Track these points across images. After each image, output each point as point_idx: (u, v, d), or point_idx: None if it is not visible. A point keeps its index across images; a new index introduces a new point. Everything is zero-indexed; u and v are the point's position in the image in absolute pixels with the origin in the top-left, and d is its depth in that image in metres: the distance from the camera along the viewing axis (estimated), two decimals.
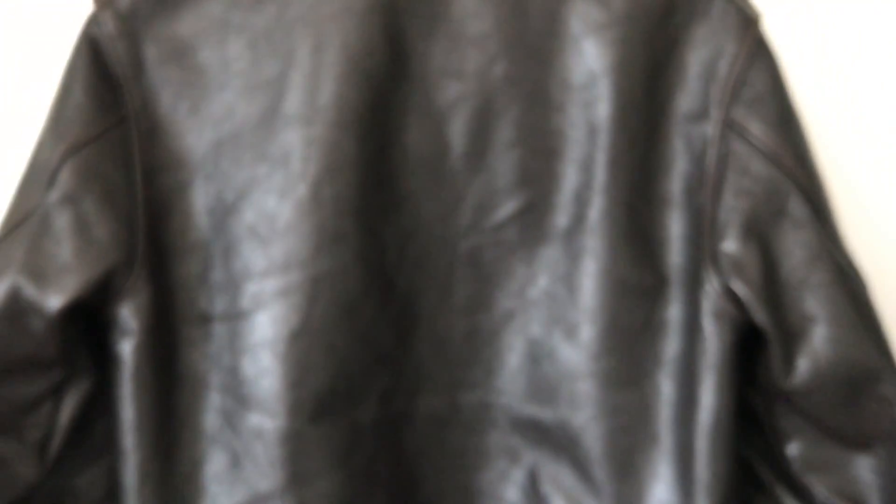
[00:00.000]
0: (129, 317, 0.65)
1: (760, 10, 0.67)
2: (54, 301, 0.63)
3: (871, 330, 0.66)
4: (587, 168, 0.67)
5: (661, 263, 0.68)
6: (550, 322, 0.70)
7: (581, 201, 0.68)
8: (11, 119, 0.82)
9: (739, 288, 0.64)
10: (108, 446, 0.70)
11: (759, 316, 0.64)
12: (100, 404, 0.69)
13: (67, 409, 0.68)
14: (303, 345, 0.65)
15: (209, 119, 0.67)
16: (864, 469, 0.68)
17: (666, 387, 0.68)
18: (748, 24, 0.67)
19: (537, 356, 0.70)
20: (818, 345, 0.64)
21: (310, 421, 0.66)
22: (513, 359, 0.71)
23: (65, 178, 0.64)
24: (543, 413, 0.71)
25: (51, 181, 0.64)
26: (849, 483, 0.68)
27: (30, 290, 0.63)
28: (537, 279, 0.70)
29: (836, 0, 0.82)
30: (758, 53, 0.66)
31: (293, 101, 0.65)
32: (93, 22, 0.66)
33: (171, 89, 0.66)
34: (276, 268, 0.66)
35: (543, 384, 0.70)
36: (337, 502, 0.67)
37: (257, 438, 0.67)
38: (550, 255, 0.69)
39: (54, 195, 0.64)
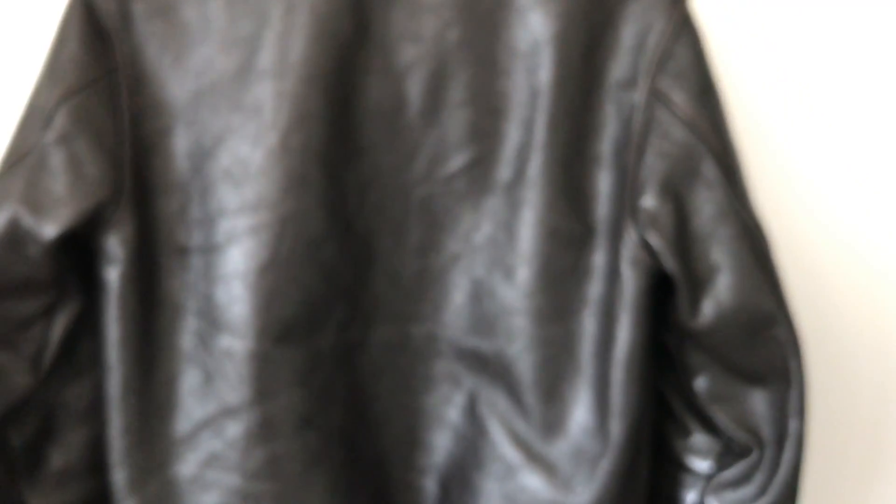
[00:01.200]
0: (115, 246, 0.70)
1: None
2: (49, 230, 0.68)
3: (770, 279, 0.71)
4: (528, 127, 0.72)
5: (589, 215, 0.73)
6: (491, 264, 0.75)
7: (522, 157, 0.73)
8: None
9: (654, 239, 0.69)
10: (93, 364, 0.75)
11: (670, 264, 0.69)
12: (86, 325, 0.75)
13: (58, 326, 0.73)
14: (270, 276, 0.71)
15: (190, 70, 0.71)
16: (759, 402, 0.74)
17: (589, 324, 0.74)
18: (676, 1, 0.71)
19: (479, 294, 0.76)
20: (721, 291, 0.70)
21: (275, 344, 0.72)
22: (458, 296, 0.77)
23: (60, 120, 0.69)
24: (483, 344, 0.76)
25: (47, 123, 0.69)
26: (745, 414, 0.75)
27: (28, 220, 0.68)
28: (481, 226, 0.75)
29: None
30: (683, 29, 0.71)
31: (266, 58, 0.70)
32: None
33: (156, 42, 0.71)
34: (248, 207, 0.71)
35: (484, 319, 0.76)
36: (297, 416, 0.73)
37: (228, 358, 0.72)
38: (494, 204, 0.75)
39: (50, 135, 0.69)
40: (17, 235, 0.68)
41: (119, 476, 0.73)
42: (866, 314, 0.90)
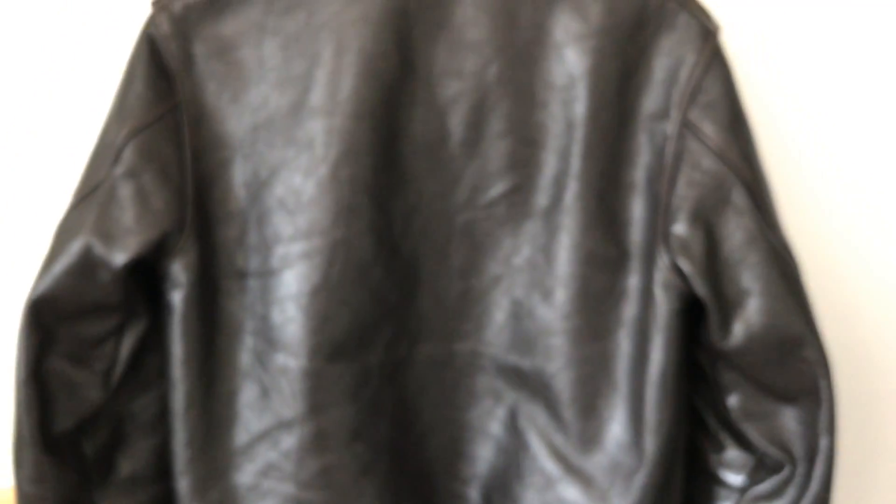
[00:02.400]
0: (179, 271, 0.74)
1: (719, 23, 0.76)
2: (119, 257, 0.72)
3: (799, 302, 0.73)
4: (565, 157, 0.76)
5: (624, 240, 0.76)
6: (531, 286, 0.79)
7: (559, 185, 0.76)
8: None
9: (685, 264, 0.72)
10: (159, 378, 0.80)
11: (701, 289, 0.72)
12: (152, 343, 0.80)
13: (127, 345, 0.78)
14: (322, 299, 0.75)
15: (247, 107, 0.75)
16: (790, 419, 0.77)
17: (624, 343, 0.77)
18: (707, 36, 0.74)
19: (519, 314, 0.80)
20: (751, 313, 0.72)
21: (326, 361, 0.76)
22: (499, 316, 0.80)
23: (128, 155, 0.73)
24: (523, 362, 0.80)
25: (116, 158, 0.73)
26: (777, 431, 0.77)
27: (99, 248, 0.72)
28: (521, 249, 0.79)
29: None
30: (714, 63, 0.74)
31: (317, 95, 0.74)
32: (151, 23, 0.75)
33: (216, 81, 0.75)
34: (301, 234, 0.75)
35: (524, 338, 0.80)
36: (347, 429, 0.77)
37: (283, 375, 0.77)
38: (532, 229, 0.78)
39: (119, 170, 0.73)
40: (89, 263, 0.73)
41: (183, 484, 0.78)
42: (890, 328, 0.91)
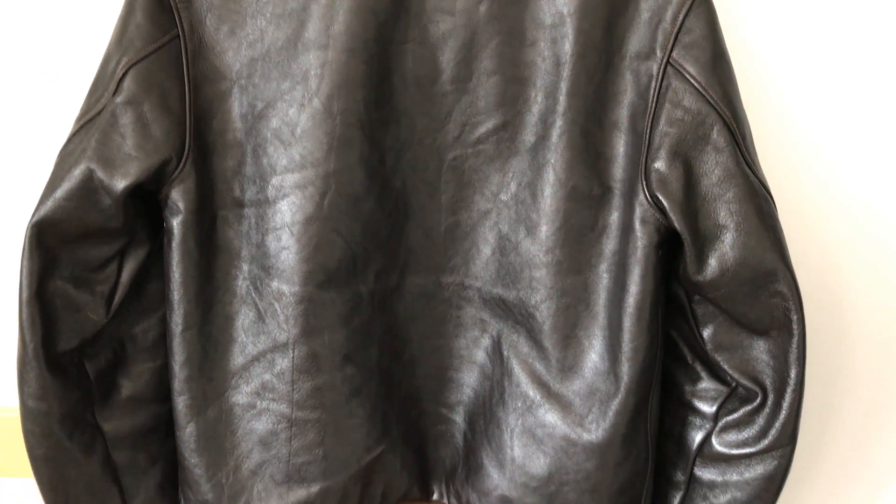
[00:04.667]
0: (178, 199, 0.77)
1: None
2: (119, 183, 0.74)
3: (773, 238, 0.75)
4: (552, 95, 0.78)
5: (607, 177, 0.79)
6: (517, 221, 0.81)
7: (546, 123, 0.78)
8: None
9: (663, 199, 0.74)
10: (160, 304, 0.84)
11: (678, 223, 0.74)
12: (154, 270, 0.83)
13: (128, 269, 0.81)
14: (314, 228, 0.78)
15: (244, 40, 0.77)
16: (762, 351, 0.80)
17: (604, 276, 0.80)
18: None
19: (505, 248, 0.83)
20: (727, 248, 0.74)
21: (319, 288, 0.79)
22: (486, 250, 0.83)
23: (128, 84, 0.75)
24: (508, 294, 0.83)
25: (117, 87, 0.75)
26: (749, 362, 0.81)
27: (100, 174, 0.74)
28: (508, 185, 0.81)
29: None
30: (697, 3, 0.75)
31: (312, 30, 0.76)
32: None
33: (214, 14, 0.77)
34: (295, 165, 0.77)
35: (509, 270, 0.83)
36: (339, 353, 0.81)
37: (277, 300, 0.80)
38: (519, 165, 0.80)
39: (119, 98, 0.75)
40: (91, 188, 0.75)
41: (180, 402, 0.82)
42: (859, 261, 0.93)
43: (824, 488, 1.02)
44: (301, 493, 0.84)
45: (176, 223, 0.78)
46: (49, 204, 0.75)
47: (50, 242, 0.77)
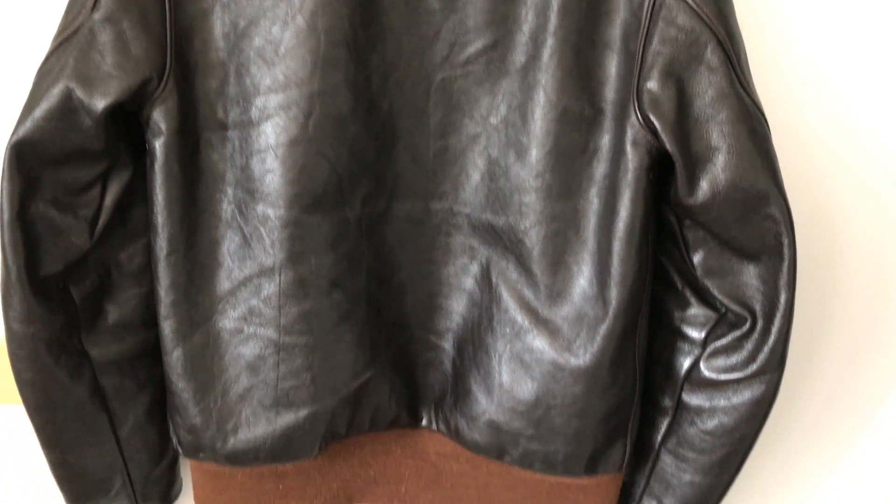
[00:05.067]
0: (159, 119, 0.75)
1: None
2: (99, 102, 0.73)
3: (766, 160, 0.74)
4: (543, 13, 0.75)
5: (599, 98, 0.77)
6: (506, 144, 0.80)
7: (536, 42, 0.76)
8: None
9: (655, 120, 0.73)
10: (145, 230, 0.83)
11: (670, 144, 0.73)
12: (139, 195, 0.82)
13: (112, 193, 0.80)
14: (299, 150, 0.76)
15: None
16: (752, 276, 0.79)
17: (595, 201, 0.79)
18: None
19: (494, 173, 0.81)
20: (718, 170, 0.73)
21: (304, 212, 0.78)
22: (475, 175, 0.82)
23: (106, 1, 0.72)
24: (497, 219, 0.82)
25: (95, 4, 0.73)
26: (739, 287, 0.80)
27: (80, 93, 0.73)
28: (498, 108, 0.79)
29: None
30: None
31: None
32: None
33: None
34: (279, 85, 0.75)
35: (498, 196, 0.81)
36: (326, 278, 0.80)
37: (263, 224, 0.79)
38: (509, 87, 0.79)
39: (98, 15, 0.72)
40: (70, 107, 0.73)
41: (166, 327, 0.82)
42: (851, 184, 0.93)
43: (812, 415, 1.03)
44: (289, 417, 0.84)
45: (158, 145, 0.77)
46: (28, 124, 0.74)
47: (30, 164, 0.76)
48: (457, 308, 0.88)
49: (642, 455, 0.91)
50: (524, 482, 0.90)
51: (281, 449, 0.85)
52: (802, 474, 1.06)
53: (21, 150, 0.75)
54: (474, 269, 0.86)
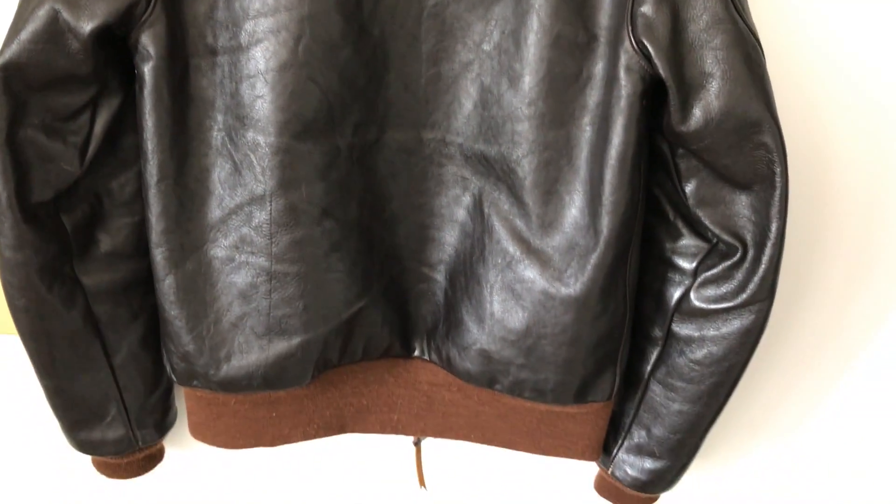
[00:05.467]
0: (147, 44, 0.74)
1: None
2: (86, 25, 0.72)
3: (760, 88, 0.73)
4: None
5: (593, 24, 0.76)
6: (499, 72, 0.79)
7: None
8: None
9: (649, 45, 0.72)
10: (136, 158, 0.83)
11: (664, 70, 0.72)
12: (130, 123, 0.81)
13: (101, 120, 0.80)
14: (289, 75, 0.75)
15: None
16: (743, 206, 0.79)
17: (587, 129, 0.78)
18: None
19: (487, 101, 0.80)
20: (712, 97, 0.73)
21: (295, 139, 0.77)
22: (468, 104, 0.81)
23: None
24: (489, 149, 0.82)
25: None
26: (730, 217, 0.80)
27: (66, 15, 0.72)
28: (491, 34, 0.78)
29: None
30: None
31: None
32: None
33: None
34: (268, 9, 0.74)
35: (491, 125, 0.81)
36: (317, 206, 0.80)
37: (253, 151, 0.78)
38: (503, 13, 0.77)
39: None
40: (57, 30, 0.72)
41: (158, 255, 0.82)
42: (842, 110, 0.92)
43: (802, 347, 1.03)
44: (282, 345, 0.85)
45: (147, 69, 0.76)
46: (14, 46, 0.73)
47: (17, 87, 0.75)
48: (449, 239, 0.88)
49: (632, 385, 0.92)
50: (514, 410, 0.91)
51: (274, 376, 0.86)
52: (792, 406, 1.07)
53: (8, 74, 0.74)
54: (466, 199, 0.85)
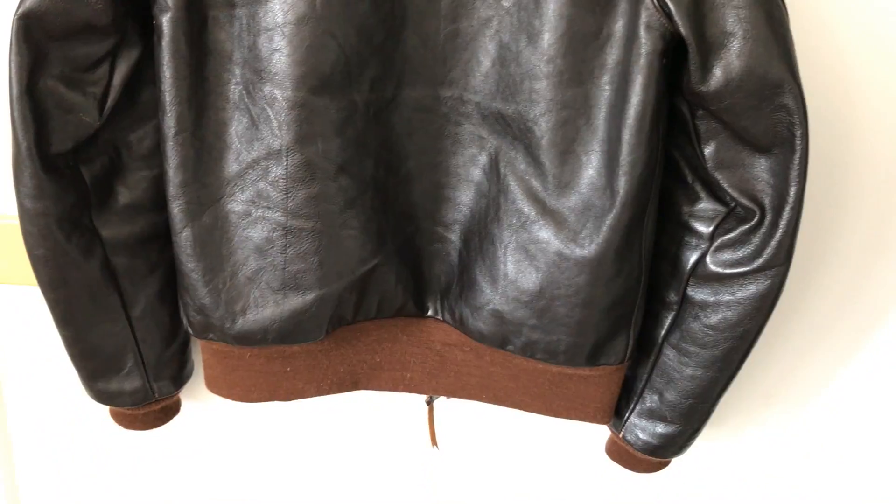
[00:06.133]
0: None
1: None
2: None
3: (782, 48, 0.72)
4: None
5: None
6: (519, 29, 0.78)
7: None
8: None
9: (670, 2, 0.71)
10: (154, 112, 0.83)
11: (685, 28, 0.71)
12: (149, 76, 0.82)
13: (121, 71, 0.80)
14: (307, 29, 0.75)
15: None
16: (762, 169, 0.78)
17: (606, 88, 0.77)
18: None
19: (505, 59, 0.80)
20: (733, 56, 0.72)
21: (312, 93, 0.77)
22: (486, 61, 0.81)
23: None
24: (506, 108, 0.81)
25: None
26: (749, 180, 0.79)
27: None
28: None
29: None
30: None
31: None
32: None
33: None
34: None
35: (508, 83, 0.80)
36: (333, 162, 0.80)
37: (270, 106, 0.78)
38: None
39: None
40: None
41: (175, 207, 0.82)
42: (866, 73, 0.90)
43: (818, 315, 1.02)
44: (297, 300, 0.85)
45: (165, 20, 0.76)
46: None
47: (38, 37, 0.76)
48: (464, 199, 0.87)
49: (645, 350, 0.92)
50: (526, 371, 0.91)
51: (289, 330, 0.87)
52: (808, 373, 1.06)
53: (27, 23, 0.75)
54: (483, 159, 0.85)
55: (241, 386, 0.93)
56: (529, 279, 0.84)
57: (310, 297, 0.85)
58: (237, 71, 0.80)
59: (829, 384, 1.07)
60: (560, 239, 0.82)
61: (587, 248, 0.81)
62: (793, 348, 1.04)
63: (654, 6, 0.73)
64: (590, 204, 0.80)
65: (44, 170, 0.80)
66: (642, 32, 0.74)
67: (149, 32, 0.80)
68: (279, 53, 0.77)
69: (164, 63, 0.77)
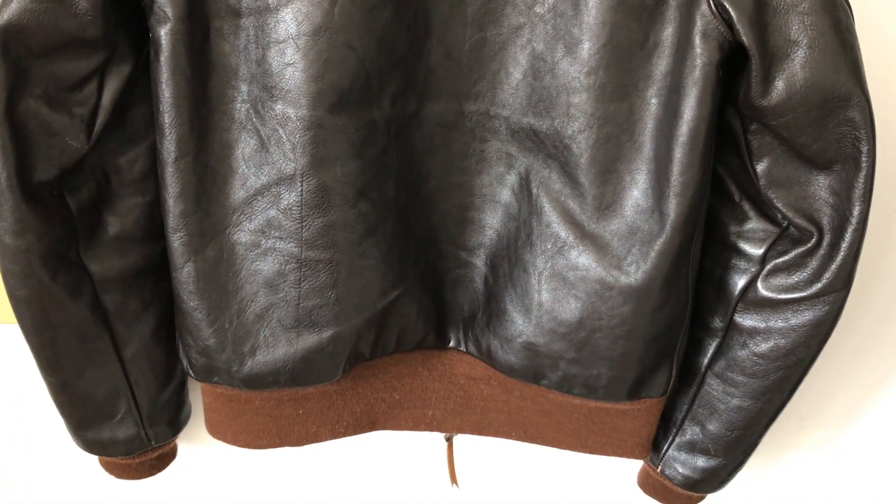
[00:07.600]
0: (164, 3, 0.67)
1: None
2: None
3: (849, 58, 0.67)
4: None
5: None
6: (554, 38, 0.72)
7: None
8: None
9: (731, 9, 0.65)
10: (148, 131, 0.76)
11: (747, 37, 0.65)
12: (140, 93, 0.74)
13: (110, 89, 0.72)
14: (324, 41, 0.68)
15: None
16: (821, 187, 0.73)
17: (652, 102, 0.71)
18: None
19: (539, 71, 0.73)
20: (797, 67, 0.66)
21: (329, 112, 0.70)
22: (517, 72, 0.74)
23: None
24: (540, 123, 0.74)
25: None
26: (807, 199, 0.74)
27: None
28: None
29: None
30: None
31: None
32: None
33: None
34: None
35: (543, 96, 0.73)
36: (351, 186, 0.73)
37: (282, 126, 0.71)
38: None
39: None
40: None
41: (175, 240, 0.74)
42: None
43: (857, 335, 0.97)
44: (312, 338, 0.77)
45: (163, 33, 0.68)
46: (14, 6, 0.66)
47: (18, 53, 0.68)
48: (490, 222, 0.80)
49: (686, 378, 0.86)
50: (560, 407, 0.85)
51: (302, 372, 0.79)
52: (847, 396, 1.01)
53: (7, 37, 0.66)
54: (511, 178, 0.78)
55: (248, 432, 0.85)
56: (568, 309, 0.77)
57: (326, 334, 0.78)
58: (243, 87, 0.72)
59: (869, 408, 1.02)
60: (602, 265, 0.75)
61: (633, 275, 0.74)
62: (831, 369, 0.99)
63: (713, 13, 0.66)
64: (635, 228, 0.74)
65: (26, 201, 0.71)
66: (698, 41, 0.68)
67: (141, 45, 0.73)
68: (292, 68, 0.69)
69: (163, 81, 0.69)
